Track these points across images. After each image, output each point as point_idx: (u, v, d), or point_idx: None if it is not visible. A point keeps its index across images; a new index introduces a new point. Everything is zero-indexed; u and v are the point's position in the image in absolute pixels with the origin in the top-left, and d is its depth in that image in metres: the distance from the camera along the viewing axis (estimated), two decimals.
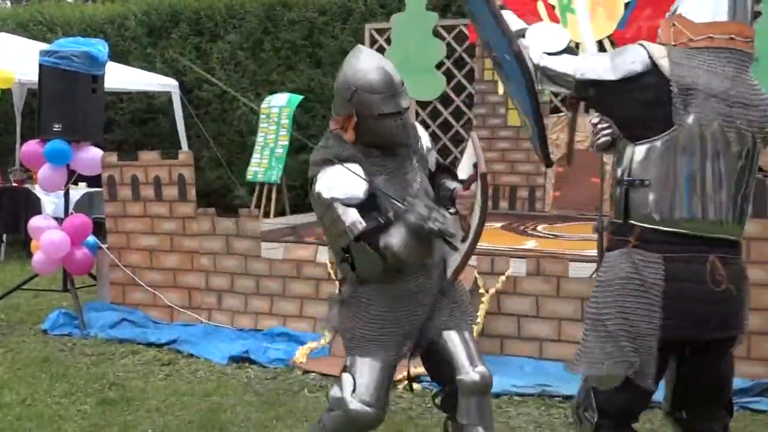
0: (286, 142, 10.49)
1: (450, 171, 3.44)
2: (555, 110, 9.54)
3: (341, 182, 3.09)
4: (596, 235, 4.66)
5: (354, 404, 3.22)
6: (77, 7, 15.47)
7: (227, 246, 6.45)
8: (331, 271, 5.96)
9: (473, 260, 5.61)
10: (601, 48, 9.19)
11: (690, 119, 2.67)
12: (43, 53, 6.79)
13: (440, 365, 3.33)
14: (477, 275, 5.47)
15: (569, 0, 9.29)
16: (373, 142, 3.18)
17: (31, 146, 6.82)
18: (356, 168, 3.10)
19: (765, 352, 4.90)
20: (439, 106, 10.52)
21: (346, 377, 3.27)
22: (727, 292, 2.71)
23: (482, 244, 6.61)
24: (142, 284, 6.72)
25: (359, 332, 3.27)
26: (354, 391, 3.23)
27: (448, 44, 10.28)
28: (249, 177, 10.84)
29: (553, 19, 9.31)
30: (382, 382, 3.26)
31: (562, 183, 9.29)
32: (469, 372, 3.23)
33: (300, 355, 5.54)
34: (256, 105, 11.36)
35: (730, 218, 2.74)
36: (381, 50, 10.74)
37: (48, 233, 6.67)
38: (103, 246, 6.99)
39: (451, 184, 3.32)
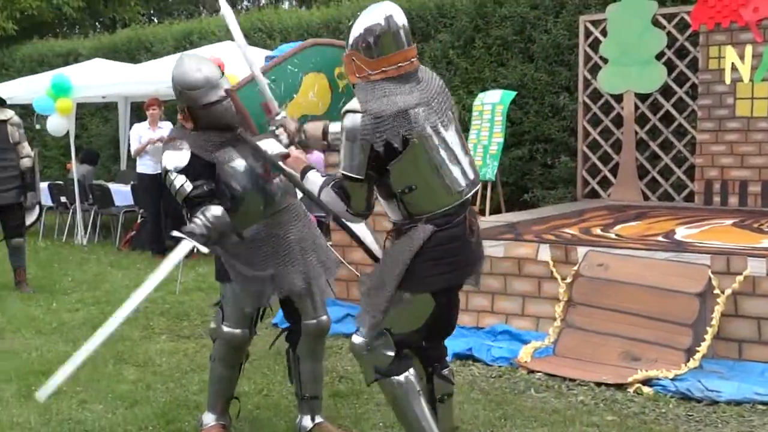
0: (501, 139, 10.45)
1: None
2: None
3: (171, 156, 3.94)
4: None
5: (224, 328, 4.19)
6: (294, 13, 16.15)
7: None
8: (553, 270, 5.86)
9: (706, 259, 5.36)
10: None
11: (415, 131, 3.34)
12: (268, 59, 7.21)
13: (292, 308, 4.28)
14: (711, 275, 5.20)
15: None
16: (208, 126, 4.00)
17: None
18: (183, 144, 3.94)
19: None
20: (660, 98, 10.10)
21: (217, 310, 4.24)
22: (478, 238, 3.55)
23: (715, 242, 6.34)
24: None
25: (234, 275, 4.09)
26: (223, 319, 4.19)
27: (669, 33, 9.88)
28: None
29: None
30: (243, 310, 4.15)
31: None
32: (311, 319, 4.25)
33: (524, 354, 5.48)
34: (469, 102, 11.41)
35: (471, 177, 3.50)
36: (596, 42, 10.49)
37: None
38: (328, 244, 7.20)
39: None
